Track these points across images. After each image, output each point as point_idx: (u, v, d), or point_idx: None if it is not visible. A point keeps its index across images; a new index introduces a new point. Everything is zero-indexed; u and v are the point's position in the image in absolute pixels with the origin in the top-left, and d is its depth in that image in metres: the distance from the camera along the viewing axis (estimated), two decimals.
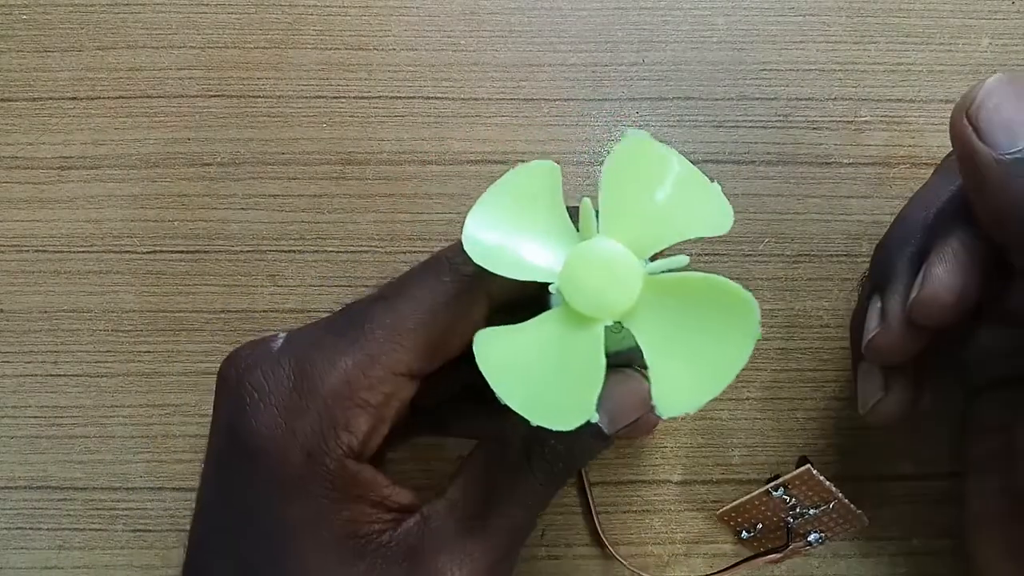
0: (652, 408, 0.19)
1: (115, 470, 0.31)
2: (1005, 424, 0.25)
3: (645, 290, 0.20)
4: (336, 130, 0.32)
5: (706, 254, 0.31)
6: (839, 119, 0.32)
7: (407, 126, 0.32)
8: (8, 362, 0.31)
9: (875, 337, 0.24)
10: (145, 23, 0.33)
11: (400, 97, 0.32)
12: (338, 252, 0.31)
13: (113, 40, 0.32)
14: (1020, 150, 0.20)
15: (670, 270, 0.20)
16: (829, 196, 0.31)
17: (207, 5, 0.33)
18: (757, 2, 0.32)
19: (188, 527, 0.24)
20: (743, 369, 0.19)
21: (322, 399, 0.22)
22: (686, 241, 0.20)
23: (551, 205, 0.21)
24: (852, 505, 0.28)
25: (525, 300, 0.22)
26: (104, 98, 0.32)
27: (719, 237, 0.26)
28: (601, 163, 0.32)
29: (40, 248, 0.32)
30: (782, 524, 0.29)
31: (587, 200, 0.20)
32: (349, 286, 0.31)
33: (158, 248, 0.32)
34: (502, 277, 0.20)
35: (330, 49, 0.32)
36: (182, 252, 0.32)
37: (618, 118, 0.32)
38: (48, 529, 0.31)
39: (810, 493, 0.28)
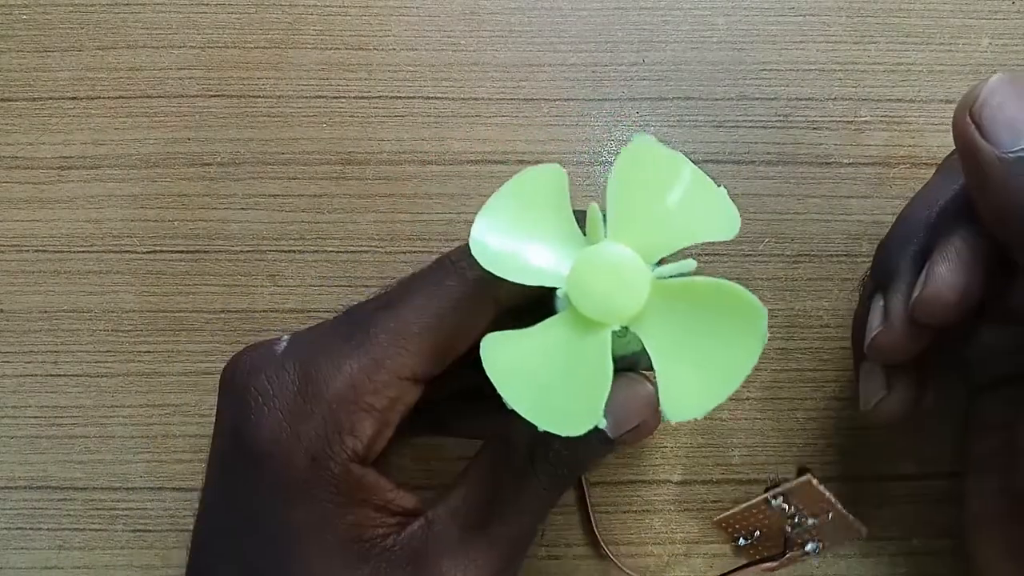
0: (659, 413, 0.19)
1: (115, 470, 0.31)
2: (1008, 422, 0.25)
3: (653, 295, 0.20)
4: (336, 130, 0.32)
5: (706, 254, 0.31)
6: (839, 119, 0.32)
7: (407, 126, 0.32)
8: (8, 362, 0.31)
9: (877, 336, 0.24)
10: (145, 23, 0.33)
11: (400, 97, 0.32)
12: (338, 252, 0.31)
13: (113, 40, 0.32)
14: (1023, 148, 0.20)
15: (678, 275, 0.20)
16: (829, 196, 0.31)
17: (207, 5, 0.33)
18: (757, 2, 0.32)
19: (188, 527, 0.24)
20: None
21: (327, 403, 0.22)
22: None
23: (558, 209, 0.21)
24: (851, 516, 0.28)
25: (531, 304, 0.22)
26: (104, 98, 0.32)
27: None
28: (601, 163, 0.32)
29: (40, 248, 0.32)
30: (780, 533, 0.29)
31: (594, 204, 0.20)
32: (349, 286, 0.31)
33: (158, 248, 0.32)
34: (509, 281, 0.20)
35: (330, 49, 0.32)
36: (182, 252, 0.32)
37: (618, 118, 0.32)
38: (48, 529, 0.31)
39: (809, 503, 0.28)
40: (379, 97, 0.32)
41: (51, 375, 0.31)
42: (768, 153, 0.32)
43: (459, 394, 0.26)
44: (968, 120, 0.21)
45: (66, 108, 0.32)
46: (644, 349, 0.20)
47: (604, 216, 0.21)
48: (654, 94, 0.32)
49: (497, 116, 0.32)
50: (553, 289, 0.21)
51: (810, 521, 0.28)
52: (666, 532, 0.30)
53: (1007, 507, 0.25)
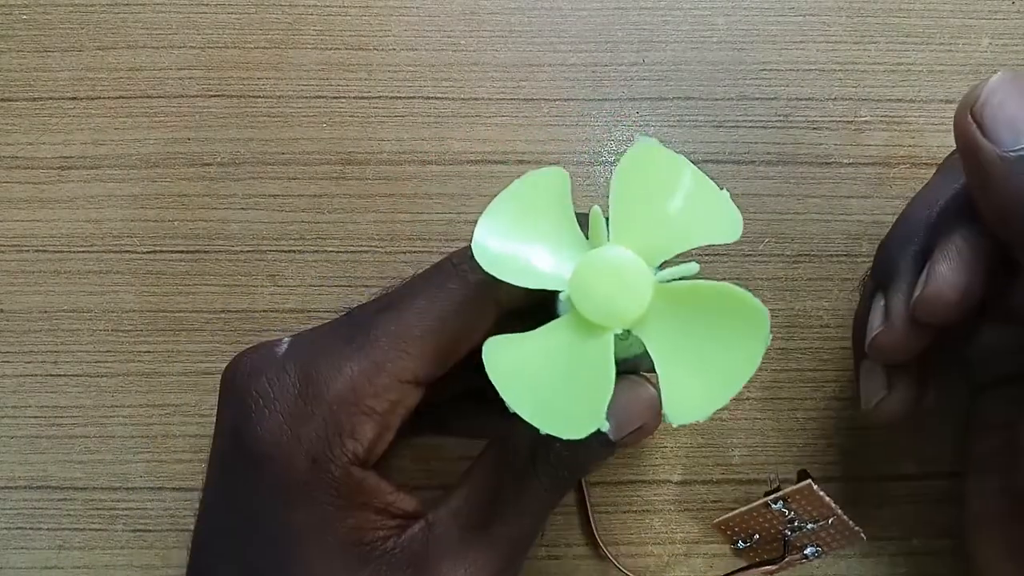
0: (660, 415, 0.19)
1: (115, 470, 0.31)
2: (1009, 421, 0.25)
3: (655, 298, 0.20)
4: (336, 130, 0.32)
5: (707, 255, 0.31)
6: (839, 119, 0.32)
7: (407, 126, 0.32)
8: (8, 362, 0.31)
9: (878, 335, 0.24)
10: (145, 23, 0.33)
11: (400, 97, 0.32)
12: (338, 252, 0.31)
13: (113, 40, 0.32)
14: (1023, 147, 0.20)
15: (681, 278, 0.20)
16: (829, 196, 0.31)
17: (207, 5, 0.33)
18: (757, 2, 0.32)
19: (188, 527, 0.24)
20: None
21: (327, 406, 0.22)
22: None
23: (560, 212, 0.21)
24: (851, 522, 0.28)
25: (533, 306, 0.22)
26: (104, 98, 0.32)
27: None
28: (601, 163, 0.32)
29: (40, 248, 0.32)
30: (779, 536, 0.29)
31: (597, 208, 0.20)
32: (349, 286, 0.31)
33: (158, 248, 0.32)
34: (511, 284, 0.20)
35: (330, 49, 0.32)
36: (182, 252, 0.32)
37: (618, 118, 0.32)
38: (48, 529, 0.31)
39: (809, 508, 0.28)
40: (379, 97, 0.32)
41: (51, 375, 0.31)
42: (768, 153, 0.32)
43: (460, 395, 0.26)
44: (969, 119, 0.21)
45: (66, 108, 0.32)
46: (646, 352, 0.20)
47: (606, 219, 0.21)
48: (654, 94, 0.32)
49: (497, 116, 0.32)
50: (555, 292, 0.21)
51: (810, 526, 0.28)
52: (666, 532, 0.30)
53: (1008, 507, 0.25)
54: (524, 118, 0.32)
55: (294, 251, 0.31)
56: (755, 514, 0.29)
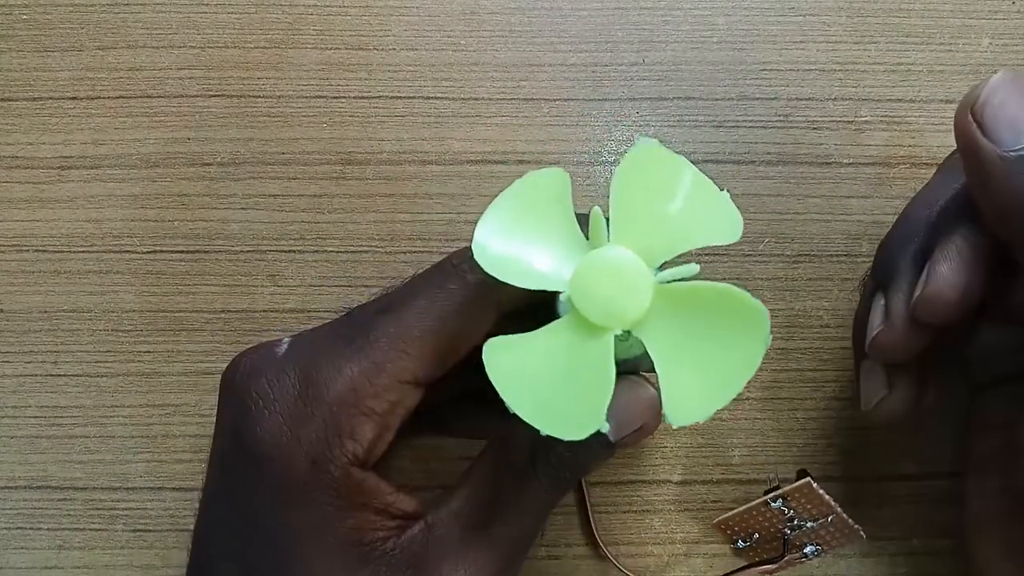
0: (661, 415, 0.19)
1: (115, 470, 0.31)
2: (1009, 421, 0.25)
3: (656, 299, 0.20)
4: (336, 130, 0.32)
5: (707, 255, 0.31)
6: (839, 119, 0.32)
7: (407, 126, 0.32)
8: (8, 362, 0.31)
9: (879, 335, 0.24)
10: (145, 23, 0.33)
11: (400, 97, 0.32)
12: (338, 252, 0.31)
13: (113, 40, 0.32)
14: None
15: (681, 279, 0.20)
16: (829, 196, 0.31)
17: (207, 5, 0.33)
18: (757, 2, 0.32)
19: (188, 527, 0.24)
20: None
21: (327, 407, 0.22)
22: None
23: (560, 213, 0.21)
24: (850, 520, 0.28)
25: (533, 307, 0.22)
26: (104, 98, 0.32)
27: None
28: (601, 163, 0.32)
29: (40, 248, 0.32)
30: (779, 535, 0.29)
31: (597, 208, 0.20)
32: (349, 286, 0.31)
33: (158, 248, 0.32)
34: (511, 285, 0.20)
35: (330, 49, 0.32)
36: (182, 252, 0.32)
37: (618, 118, 0.32)
38: (48, 529, 0.31)
39: (809, 506, 0.28)
40: (379, 97, 0.32)
41: (51, 375, 0.31)
42: (768, 153, 0.32)
43: (460, 396, 0.26)
44: (970, 119, 0.21)
45: (66, 108, 0.32)
46: (646, 352, 0.20)
47: (607, 219, 0.21)
48: (654, 94, 0.32)
49: (497, 116, 0.32)
50: (556, 293, 0.21)
51: (809, 524, 0.28)
52: (666, 532, 0.30)
53: (1008, 507, 0.25)
54: (524, 118, 0.32)
55: (294, 251, 0.31)
56: (755, 513, 0.29)
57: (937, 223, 0.24)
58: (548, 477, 0.23)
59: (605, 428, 0.19)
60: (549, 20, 0.32)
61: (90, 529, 0.31)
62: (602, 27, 0.32)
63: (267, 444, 0.22)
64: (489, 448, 0.24)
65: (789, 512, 0.28)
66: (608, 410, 0.19)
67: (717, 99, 0.32)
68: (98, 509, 0.31)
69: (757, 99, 0.32)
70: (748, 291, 0.19)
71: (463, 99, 0.32)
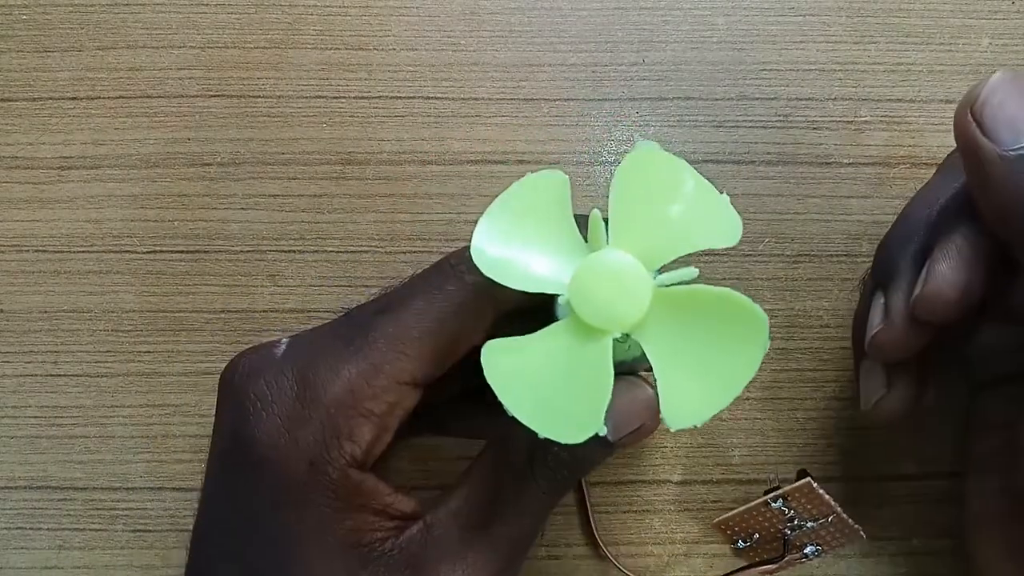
0: (659, 415, 0.19)
1: (115, 470, 0.31)
2: (1009, 421, 0.25)
3: (655, 302, 0.20)
4: (336, 130, 0.32)
5: (706, 255, 0.31)
6: (839, 119, 0.32)
7: (407, 126, 0.32)
8: (8, 362, 0.31)
9: (878, 334, 0.24)
10: (145, 23, 0.33)
11: (400, 97, 0.32)
12: (338, 252, 0.31)
13: (113, 40, 0.32)
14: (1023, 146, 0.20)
15: (680, 282, 0.20)
16: (829, 196, 0.31)
17: (207, 5, 0.33)
18: (757, 2, 0.32)
19: (188, 527, 0.24)
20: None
21: (325, 408, 0.22)
22: None
23: (559, 215, 0.21)
24: (850, 520, 0.28)
25: (532, 307, 0.22)
26: (104, 98, 0.32)
27: None
28: (601, 163, 0.32)
29: (40, 248, 0.32)
30: (779, 535, 0.29)
31: (596, 211, 0.20)
32: (349, 286, 0.31)
33: (158, 248, 0.32)
34: (510, 287, 0.20)
35: (330, 49, 0.32)
36: (182, 252, 0.32)
37: (618, 118, 0.32)
38: (48, 529, 0.31)
39: (809, 506, 0.28)
40: (379, 97, 0.32)
41: (51, 375, 0.31)
42: (768, 153, 0.32)
43: (459, 397, 0.26)
44: (969, 118, 0.21)
45: (66, 108, 0.32)
46: (644, 355, 0.20)
47: (606, 222, 0.21)
48: (654, 94, 0.32)
49: (497, 116, 0.32)
50: (554, 296, 0.21)
51: (809, 524, 0.28)
52: (666, 532, 0.30)
53: (1008, 507, 0.25)
54: (524, 118, 0.32)
55: (294, 251, 0.31)
56: (755, 513, 0.29)
57: (937, 222, 0.24)
58: (546, 479, 0.23)
59: (603, 431, 0.19)
60: (549, 20, 0.32)
61: (90, 529, 0.31)
62: (602, 27, 0.32)
63: (265, 446, 0.22)
64: (488, 448, 0.24)
65: (789, 512, 0.28)
66: (606, 412, 0.19)
67: (717, 99, 0.32)
68: (98, 509, 0.31)
69: (757, 99, 0.32)
70: (748, 292, 0.19)
71: (463, 99, 0.32)
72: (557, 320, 0.21)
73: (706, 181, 0.21)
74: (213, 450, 0.24)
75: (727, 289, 0.19)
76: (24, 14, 0.33)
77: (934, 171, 0.26)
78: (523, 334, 0.21)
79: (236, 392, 0.23)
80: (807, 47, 0.32)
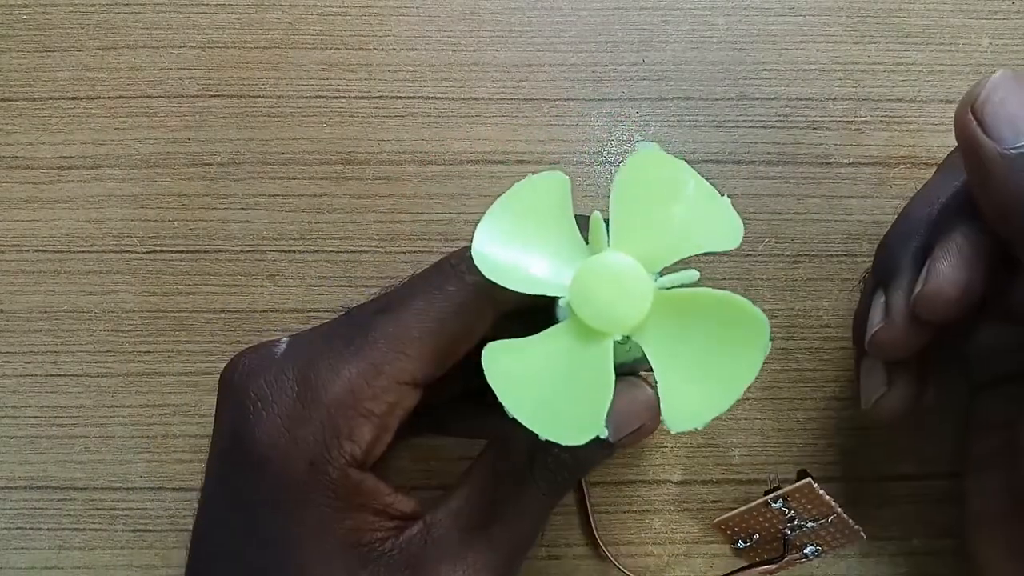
0: (659, 415, 0.19)
1: (115, 470, 0.31)
2: (1009, 420, 0.25)
3: (655, 305, 0.20)
4: (336, 130, 0.32)
5: (706, 255, 0.31)
6: (839, 119, 0.32)
7: (407, 126, 0.32)
8: (8, 362, 0.31)
9: (879, 332, 0.24)
10: (145, 23, 0.33)
11: (400, 97, 0.32)
12: (338, 252, 0.31)
13: (113, 40, 0.32)
14: None
15: (681, 285, 0.20)
16: (829, 196, 0.31)
17: (207, 5, 0.33)
18: (757, 2, 0.32)
19: (188, 527, 0.24)
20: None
21: (325, 408, 0.22)
22: None
23: (560, 217, 0.21)
24: (851, 521, 0.28)
25: (532, 308, 0.22)
26: (104, 98, 0.32)
27: None
28: (601, 163, 0.32)
29: (40, 248, 0.32)
30: (779, 536, 0.29)
31: (597, 213, 0.20)
32: (349, 286, 0.31)
33: (158, 248, 0.32)
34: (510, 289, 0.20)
35: (330, 49, 0.32)
36: (182, 252, 0.32)
37: (618, 118, 0.32)
38: (48, 529, 0.31)
39: (809, 506, 0.28)
40: (379, 97, 0.32)
41: (51, 375, 0.31)
42: (768, 153, 0.32)
43: (459, 397, 0.26)
44: (970, 117, 0.21)
45: (66, 108, 0.32)
46: (645, 356, 0.20)
47: (607, 224, 0.21)
48: (654, 94, 0.32)
49: (497, 116, 0.32)
50: (555, 297, 0.20)
51: (809, 524, 0.28)
52: (666, 532, 0.30)
53: (1009, 506, 0.25)
54: (524, 118, 0.32)
55: (294, 251, 0.31)
56: (755, 513, 0.29)
57: (938, 221, 0.24)
58: (546, 480, 0.23)
59: (604, 433, 0.19)
60: (549, 20, 0.32)
61: (90, 529, 0.31)
62: (602, 27, 0.32)
63: (265, 446, 0.22)
64: (488, 449, 0.24)
65: (789, 512, 0.28)
66: (607, 413, 0.19)
67: (717, 99, 0.32)
68: (98, 509, 0.31)
69: (757, 99, 0.32)
70: (748, 293, 0.19)
71: (463, 99, 0.32)
72: (558, 322, 0.21)
73: (707, 183, 0.21)
74: (213, 450, 0.24)
75: (728, 292, 0.19)
76: (24, 14, 0.33)
77: (934, 171, 0.26)
78: (524, 334, 0.21)
79: (236, 392, 0.23)
80: (807, 47, 0.32)
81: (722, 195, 0.21)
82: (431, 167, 0.32)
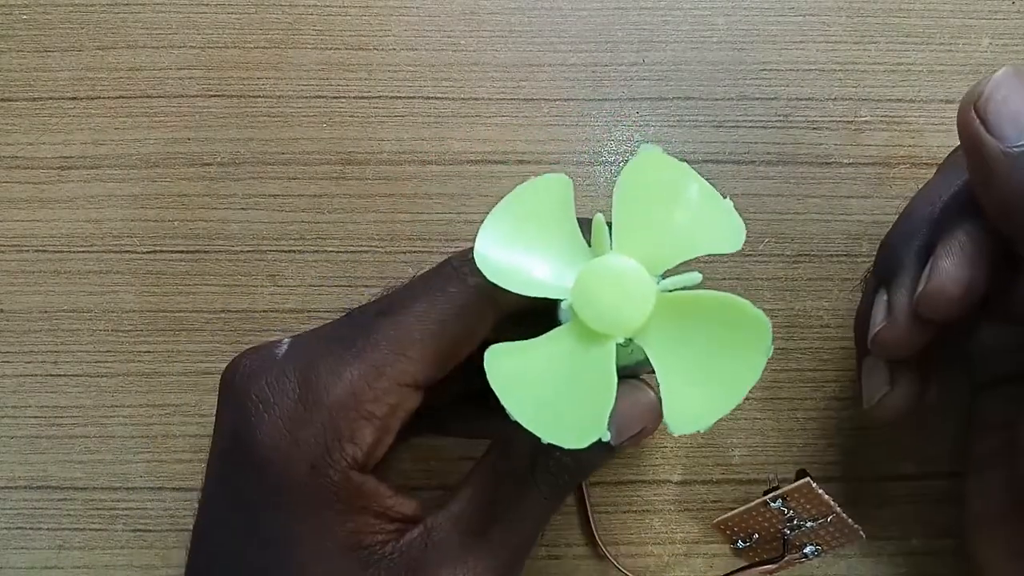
0: (661, 417, 0.19)
1: (115, 470, 0.31)
2: (1009, 420, 0.25)
3: (658, 307, 0.20)
4: (336, 130, 0.32)
5: (706, 255, 0.31)
6: (839, 119, 0.32)
7: (407, 126, 0.32)
8: (8, 362, 0.31)
9: (881, 331, 0.24)
10: (145, 23, 0.33)
11: (400, 97, 0.32)
12: (338, 252, 0.31)
13: (113, 40, 0.32)
14: None
15: (683, 287, 0.20)
16: (829, 196, 0.31)
17: (207, 5, 0.33)
18: (757, 2, 0.32)
19: (188, 527, 0.24)
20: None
21: (326, 410, 0.22)
22: None
23: (562, 220, 0.21)
24: (850, 520, 0.28)
25: (535, 310, 0.22)
26: (104, 98, 0.32)
27: None
28: (601, 163, 0.32)
29: (40, 248, 0.32)
30: (778, 535, 0.29)
31: (600, 216, 0.20)
32: (349, 286, 0.31)
33: (158, 248, 0.32)
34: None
35: (330, 49, 0.32)
36: (182, 252, 0.32)
37: (618, 118, 0.32)
38: (48, 529, 0.31)
39: (808, 506, 0.28)
40: (379, 97, 0.32)
41: (51, 375, 0.31)
42: (768, 153, 0.32)
43: (460, 399, 0.26)
44: (973, 114, 0.21)
45: (66, 108, 0.32)
46: (647, 359, 0.20)
47: (609, 226, 0.21)
48: (654, 94, 0.32)
49: (497, 116, 0.32)
50: (558, 300, 0.20)
51: (809, 524, 0.28)
52: (666, 532, 0.30)
53: (1009, 506, 0.25)
54: (524, 118, 0.32)
55: (294, 251, 0.31)
56: (754, 513, 0.29)
57: (940, 219, 0.24)
58: (548, 484, 0.23)
59: (606, 436, 0.19)
60: (549, 20, 0.32)
61: (90, 529, 0.31)
62: (602, 27, 0.32)
63: (266, 448, 0.22)
64: (489, 452, 0.24)
65: (789, 512, 0.28)
66: (609, 416, 0.19)
67: (717, 99, 0.32)
68: (98, 509, 0.31)
69: (757, 99, 0.32)
70: (748, 293, 0.19)
71: (463, 99, 0.32)
72: (560, 324, 0.21)
73: (709, 186, 0.21)
74: (214, 450, 0.24)
75: (730, 294, 0.19)
76: (24, 14, 0.33)
77: (934, 171, 0.26)
78: (526, 337, 0.21)
79: (237, 393, 0.23)
80: (807, 47, 0.32)
81: (724, 197, 0.21)
82: (431, 167, 0.32)
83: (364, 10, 0.32)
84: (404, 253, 0.31)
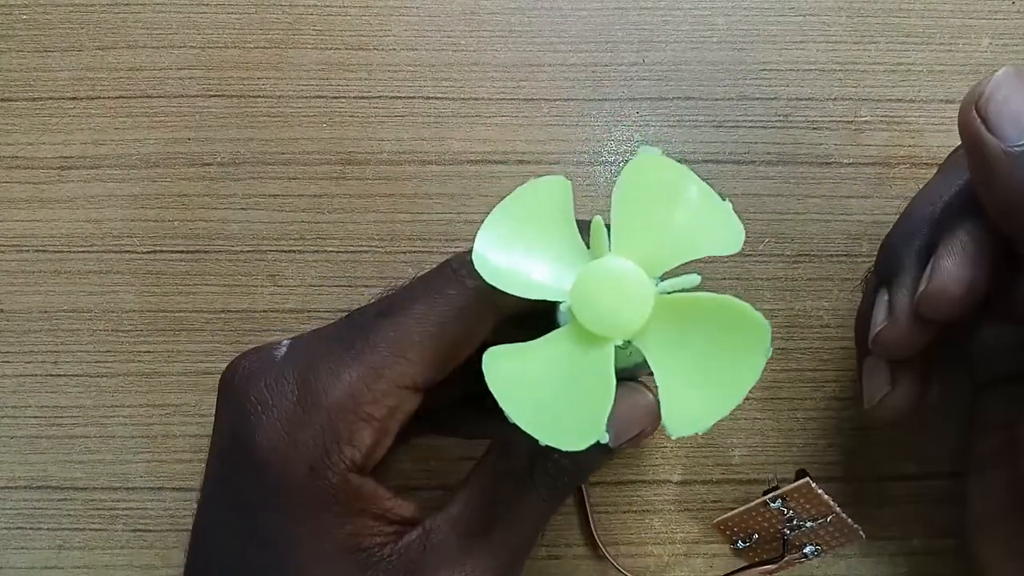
0: (659, 419, 0.19)
1: (115, 470, 0.31)
2: (1010, 420, 0.25)
3: (656, 309, 0.20)
4: (336, 130, 0.32)
5: (706, 257, 0.31)
6: (839, 119, 0.32)
7: (407, 126, 0.32)
8: (8, 362, 0.31)
9: (882, 331, 0.24)
10: (145, 23, 0.33)
11: (400, 97, 0.32)
12: (338, 252, 0.31)
13: (113, 40, 0.32)
14: None
15: (682, 289, 0.20)
16: (829, 196, 0.31)
17: (207, 5, 0.33)
18: (757, 2, 0.32)
19: (188, 527, 0.24)
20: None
21: (325, 412, 0.22)
22: None
23: (561, 222, 0.21)
24: (849, 520, 0.28)
25: (533, 312, 0.22)
26: (104, 98, 0.32)
27: None
28: (601, 163, 0.32)
29: (40, 248, 0.32)
30: (778, 536, 0.29)
31: (598, 218, 0.20)
32: (349, 286, 0.31)
33: (158, 248, 0.32)
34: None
35: (330, 49, 0.32)
36: (182, 252, 0.32)
37: (618, 118, 0.32)
38: (48, 529, 0.31)
39: (808, 506, 0.28)
40: (379, 97, 0.32)
41: (51, 375, 0.31)
42: (768, 153, 0.32)
43: (460, 400, 0.26)
44: (974, 114, 0.21)
45: (66, 108, 0.32)
46: (646, 361, 0.20)
47: (608, 228, 0.20)
48: (654, 94, 0.32)
49: (497, 116, 0.32)
50: (556, 302, 0.20)
51: (808, 524, 0.28)
52: (666, 532, 0.30)
53: (1010, 506, 0.25)
54: (524, 118, 0.32)
55: (294, 251, 0.31)
56: (754, 513, 0.29)
57: (941, 219, 0.23)
58: (546, 486, 0.23)
59: (605, 439, 0.19)
60: (549, 20, 0.32)
61: (90, 529, 0.31)
62: (602, 27, 0.32)
63: (265, 449, 0.22)
64: (488, 454, 0.24)
65: (788, 512, 0.28)
66: (607, 419, 0.19)
67: (717, 99, 0.32)
68: (98, 509, 0.31)
69: (757, 99, 0.32)
70: (748, 293, 0.19)
71: (463, 99, 0.32)
72: (559, 326, 0.21)
73: (709, 188, 0.21)
74: (213, 450, 0.24)
75: (729, 296, 0.19)
76: (24, 14, 0.33)
77: (935, 171, 0.26)
78: (525, 339, 0.21)
79: (236, 394, 0.23)
80: (807, 47, 0.32)
81: (723, 199, 0.21)
82: (431, 167, 0.32)
83: (364, 10, 0.32)
84: (404, 253, 0.31)
